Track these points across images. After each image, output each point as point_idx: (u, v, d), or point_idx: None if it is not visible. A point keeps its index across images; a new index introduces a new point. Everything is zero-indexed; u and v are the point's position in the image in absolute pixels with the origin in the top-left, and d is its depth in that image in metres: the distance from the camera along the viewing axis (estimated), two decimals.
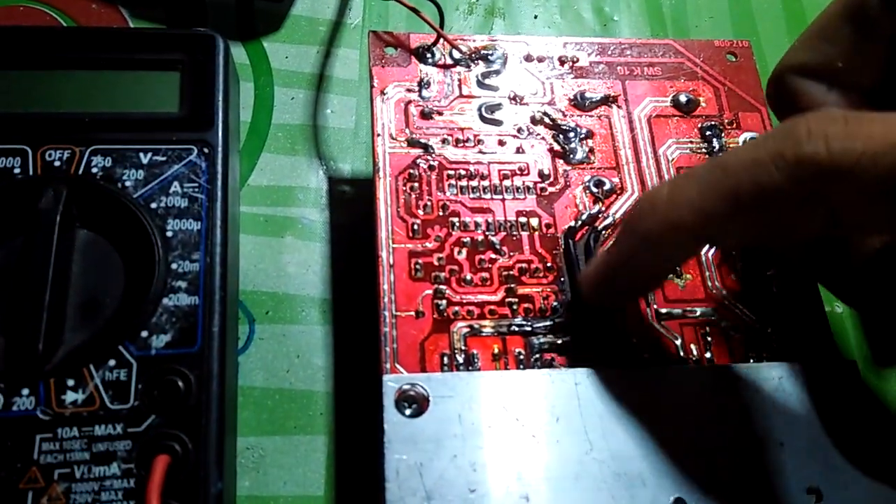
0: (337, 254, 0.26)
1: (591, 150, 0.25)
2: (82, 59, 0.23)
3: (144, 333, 0.20)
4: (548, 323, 0.21)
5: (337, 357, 0.24)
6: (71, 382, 0.19)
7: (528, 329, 0.21)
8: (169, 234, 0.21)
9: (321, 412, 0.23)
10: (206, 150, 0.22)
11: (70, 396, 0.19)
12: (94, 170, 0.22)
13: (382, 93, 0.25)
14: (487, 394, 0.20)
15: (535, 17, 0.33)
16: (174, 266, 0.21)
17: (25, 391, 0.19)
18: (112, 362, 0.19)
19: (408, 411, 0.19)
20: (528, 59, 0.26)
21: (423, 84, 0.25)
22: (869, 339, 0.26)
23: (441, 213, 0.23)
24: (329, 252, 0.26)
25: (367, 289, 0.23)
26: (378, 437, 0.19)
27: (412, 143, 0.24)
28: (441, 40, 0.26)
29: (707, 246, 0.23)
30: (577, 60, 0.26)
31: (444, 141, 0.24)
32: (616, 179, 0.24)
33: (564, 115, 0.25)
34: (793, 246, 0.23)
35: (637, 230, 0.19)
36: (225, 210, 0.22)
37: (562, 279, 0.22)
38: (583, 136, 0.25)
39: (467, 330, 0.21)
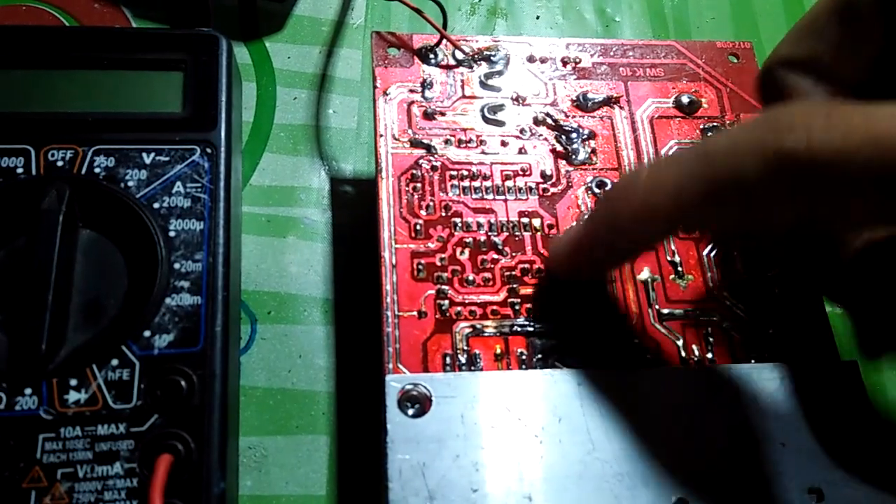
0: (339, 254, 0.26)
1: (594, 151, 0.25)
2: (85, 58, 0.23)
3: (147, 333, 0.20)
4: (550, 323, 0.21)
5: (339, 357, 0.24)
6: (74, 382, 0.19)
7: (531, 329, 0.21)
8: (172, 234, 0.21)
9: (323, 412, 0.23)
10: (209, 151, 0.22)
11: (73, 396, 0.19)
12: (97, 170, 0.22)
13: (385, 93, 0.25)
14: (490, 394, 0.20)
15: (538, 17, 0.33)
16: (177, 266, 0.21)
17: (28, 391, 0.19)
18: (115, 362, 0.19)
19: (410, 411, 0.19)
20: (531, 59, 0.26)
21: (425, 85, 0.25)
22: (858, 332, 0.26)
23: (443, 214, 0.23)
24: (331, 252, 0.26)
25: (370, 289, 0.23)
26: (380, 438, 0.19)
27: (415, 143, 0.24)
28: (444, 41, 0.26)
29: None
30: (580, 61, 0.26)
31: (446, 141, 0.24)
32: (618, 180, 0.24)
33: (567, 116, 0.25)
34: (778, 242, 0.23)
35: (614, 210, 0.19)
36: (228, 210, 0.22)
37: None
38: (585, 136, 0.25)
39: (469, 330, 0.21)
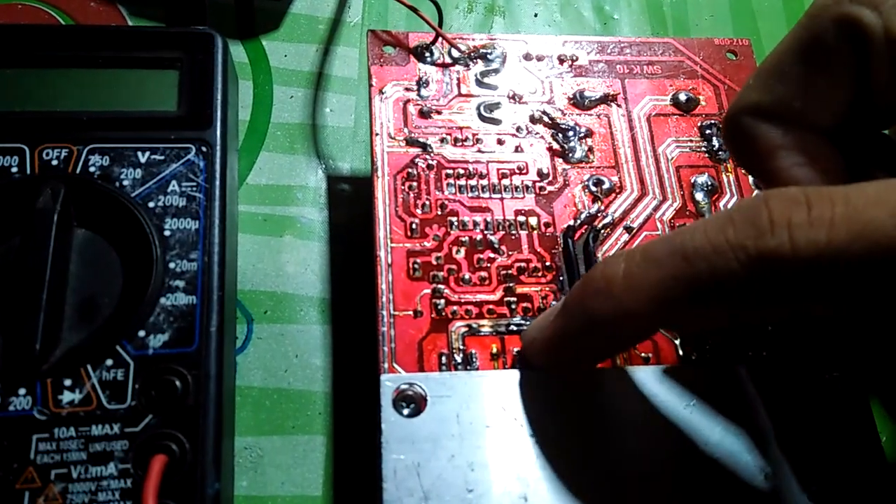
0: (335, 253, 0.26)
1: (591, 149, 0.25)
2: (81, 57, 0.23)
3: (142, 333, 0.20)
4: None
5: (335, 357, 0.24)
6: (68, 382, 0.19)
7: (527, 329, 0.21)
8: (167, 233, 0.21)
9: (319, 412, 0.23)
10: (204, 149, 0.22)
11: (67, 396, 0.19)
12: (92, 169, 0.22)
13: (381, 92, 0.24)
14: (485, 393, 0.20)
15: (535, 15, 0.33)
16: (172, 265, 0.21)
17: (22, 391, 0.19)
18: (109, 362, 0.19)
19: (406, 411, 0.19)
20: (528, 57, 0.26)
21: (421, 83, 0.25)
22: None
23: (439, 213, 0.23)
24: (328, 251, 0.26)
25: (366, 288, 0.22)
26: (376, 437, 0.19)
27: (411, 142, 0.24)
28: (440, 39, 0.26)
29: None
30: (577, 59, 0.26)
31: (442, 140, 0.24)
32: (615, 178, 0.24)
33: (564, 114, 0.25)
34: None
35: (588, 310, 0.18)
36: (223, 209, 0.22)
37: (561, 278, 0.22)
38: (582, 134, 0.25)
39: (465, 329, 0.21)
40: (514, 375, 0.20)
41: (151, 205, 0.21)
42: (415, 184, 0.23)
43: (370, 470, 0.22)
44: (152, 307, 0.20)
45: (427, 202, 0.23)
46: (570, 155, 0.24)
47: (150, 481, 0.18)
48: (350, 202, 0.27)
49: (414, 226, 0.22)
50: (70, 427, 0.19)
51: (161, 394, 0.19)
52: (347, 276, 0.26)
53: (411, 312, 0.21)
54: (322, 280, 0.25)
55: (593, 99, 0.25)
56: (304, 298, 0.25)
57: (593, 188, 0.24)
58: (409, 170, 0.23)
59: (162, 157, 0.22)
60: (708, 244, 0.15)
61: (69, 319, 0.20)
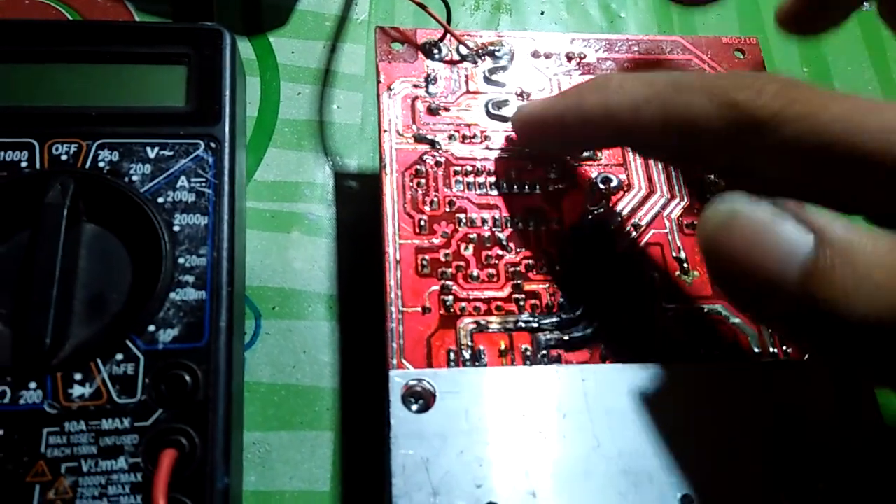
0: (343, 249, 0.26)
1: None
2: (89, 53, 0.23)
3: (152, 328, 0.20)
4: (554, 319, 0.21)
5: (343, 353, 0.24)
6: (78, 376, 0.19)
7: (535, 325, 0.21)
8: (176, 228, 0.21)
9: (327, 408, 0.23)
10: (213, 145, 0.22)
11: (77, 390, 0.19)
12: (101, 164, 0.22)
13: (389, 88, 0.25)
14: (494, 390, 0.20)
15: (542, 13, 0.33)
16: (181, 260, 0.21)
17: (33, 385, 0.19)
18: (119, 356, 0.19)
19: (414, 407, 0.19)
20: (535, 55, 0.26)
21: (429, 80, 0.25)
22: None
23: (448, 209, 0.23)
24: (335, 248, 0.26)
25: (374, 285, 0.22)
26: (384, 433, 0.19)
27: (419, 139, 0.24)
28: (448, 36, 0.26)
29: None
30: (585, 57, 0.26)
31: (450, 137, 0.24)
32: (623, 176, 0.24)
33: None
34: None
35: (581, 97, 0.20)
36: (232, 205, 0.22)
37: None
38: None
39: (474, 326, 0.21)
40: (523, 372, 0.20)
41: (161, 200, 0.21)
42: (423, 180, 0.23)
43: (378, 466, 0.22)
44: (162, 302, 0.20)
45: (435, 199, 0.23)
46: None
47: (160, 476, 0.18)
48: (358, 199, 0.27)
49: (422, 222, 0.22)
50: (80, 421, 0.19)
51: (171, 388, 0.19)
52: (355, 272, 0.26)
53: (420, 309, 0.21)
54: (330, 276, 0.25)
55: None
56: (312, 295, 0.25)
57: (601, 186, 0.24)
58: (418, 166, 0.23)
59: (171, 153, 0.22)
60: (699, 83, 0.18)
61: (79, 314, 0.20)
